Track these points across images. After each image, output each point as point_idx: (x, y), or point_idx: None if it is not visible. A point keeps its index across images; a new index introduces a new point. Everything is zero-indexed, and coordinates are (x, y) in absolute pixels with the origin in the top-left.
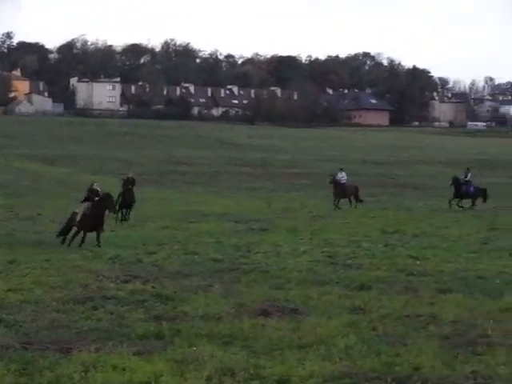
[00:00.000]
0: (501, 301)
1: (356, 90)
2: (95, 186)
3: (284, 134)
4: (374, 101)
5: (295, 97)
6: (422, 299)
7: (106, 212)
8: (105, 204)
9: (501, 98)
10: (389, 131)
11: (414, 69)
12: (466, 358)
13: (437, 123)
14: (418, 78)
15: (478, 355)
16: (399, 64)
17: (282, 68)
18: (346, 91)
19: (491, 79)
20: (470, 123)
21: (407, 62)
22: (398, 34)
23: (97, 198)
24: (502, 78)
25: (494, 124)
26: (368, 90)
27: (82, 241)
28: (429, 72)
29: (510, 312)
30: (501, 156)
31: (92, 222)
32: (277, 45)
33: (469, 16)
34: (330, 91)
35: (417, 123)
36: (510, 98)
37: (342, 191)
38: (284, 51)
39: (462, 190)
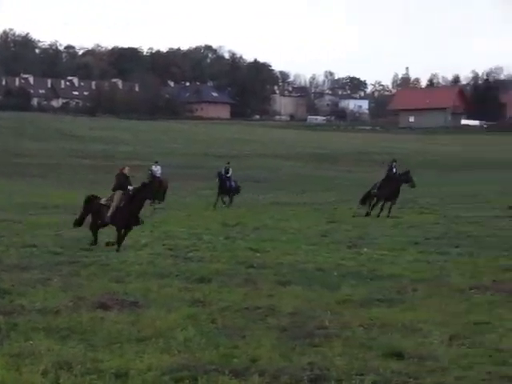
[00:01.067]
0: (338, 293)
1: (198, 83)
2: (126, 171)
3: (125, 126)
4: (215, 94)
5: (137, 89)
6: (262, 291)
7: (145, 202)
8: (143, 193)
9: (340, 92)
10: (230, 124)
11: (256, 62)
12: (304, 350)
13: (278, 117)
14: (260, 71)
15: (316, 347)
16: (240, 57)
17: (123, 60)
18: (187, 84)
19: (331, 74)
20: (310, 117)
21: (249, 56)
22: (239, 27)
23: (130, 187)
24: (341, 73)
25: (333, 118)
26: (210, 83)
27: (119, 242)
28: (270, 66)
29: (347, 304)
30: (340, 150)
31: (127, 215)
32: (118, 36)
33: (308, 11)
34: (172, 84)
35: (258, 117)
36: (349, 92)
37: (158, 185)
38: (125, 43)
39: (226, 186)
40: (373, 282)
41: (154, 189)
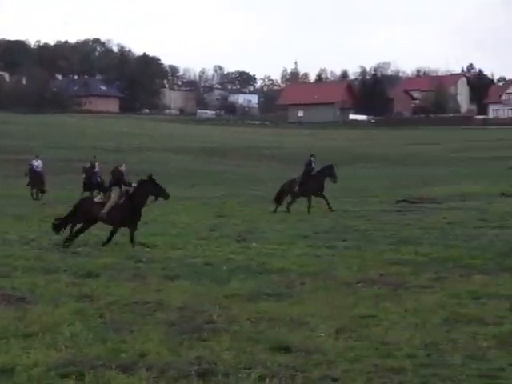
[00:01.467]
0: (227, 287)
1: (86, 76)
2: (122, 168)
3: (13, 119)
4: (104, 87)
5: (24, 82)
6: (150, 286)
7: (149, 199)
8: (145, 189)
9: (230, 86)
10: (119, 118)
11: (145, 56)
12: (192, 344)
13: (167, 111)
14: (149, 65)
15: (204, 341)
16: (129, 51)
17: (10, 52)
18: (75, 77)
19: (220, 68)
20: (199, 111)
21: (137, 50)
22: (128, 21)
23: (134, 184)
24: (230, 68)
25: (223, 112)
26: (98, 77)
27: (110, 238)
28: (159, 60)
29: (235, 298)
30: (229, 144)
31: (128, 213)
32: (4, 29)
33: (197, 5)
34: (60, 77)
35: (147, 111)
36: (238, 87)
37: (39, 180)
38: (12, 35)
39: (92, 182)
40: (261, 276)
41: (158, 185)
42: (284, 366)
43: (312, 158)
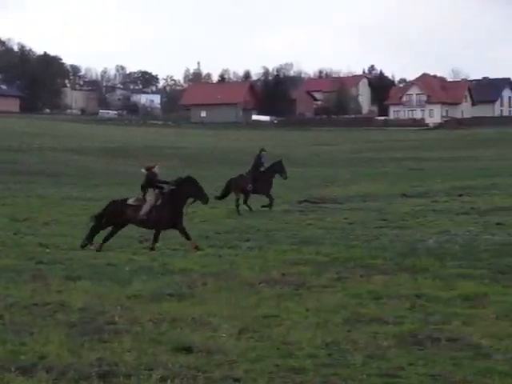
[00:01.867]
0: (129, 288)
1: None
2: (156, 169)
3: None
4: (4, 87)
5: None
6: (51, 287)
7: (189, 200)
8: (186, 189)
9: (132, 86)
10: (20, 118)
11: (46, 55)
12: (93, 346)
13: (69, 110)
14: (50, 64)
15: (105, 342)
16: (30, 50)
17: None
18: None
19: (122, 68)
20: (101, 111)
21: (38, 49)
22: (28, 19)
23: (168, 184)
24: (133, 67)
25: (125, 112)
26: None
27: (156, 240)
28: (60, 59)
29: (138, 299)
30: (131, 144)
31: (170, 215)
32: None
33: (98, 4)
34: None
35: (49, 110)
36: (141, 87)
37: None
38: None
39: None
40: (163, 277)
41: (200, 187)
42: (186, 367)
43: (263, 153)
